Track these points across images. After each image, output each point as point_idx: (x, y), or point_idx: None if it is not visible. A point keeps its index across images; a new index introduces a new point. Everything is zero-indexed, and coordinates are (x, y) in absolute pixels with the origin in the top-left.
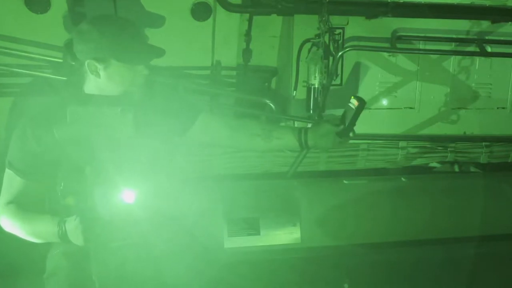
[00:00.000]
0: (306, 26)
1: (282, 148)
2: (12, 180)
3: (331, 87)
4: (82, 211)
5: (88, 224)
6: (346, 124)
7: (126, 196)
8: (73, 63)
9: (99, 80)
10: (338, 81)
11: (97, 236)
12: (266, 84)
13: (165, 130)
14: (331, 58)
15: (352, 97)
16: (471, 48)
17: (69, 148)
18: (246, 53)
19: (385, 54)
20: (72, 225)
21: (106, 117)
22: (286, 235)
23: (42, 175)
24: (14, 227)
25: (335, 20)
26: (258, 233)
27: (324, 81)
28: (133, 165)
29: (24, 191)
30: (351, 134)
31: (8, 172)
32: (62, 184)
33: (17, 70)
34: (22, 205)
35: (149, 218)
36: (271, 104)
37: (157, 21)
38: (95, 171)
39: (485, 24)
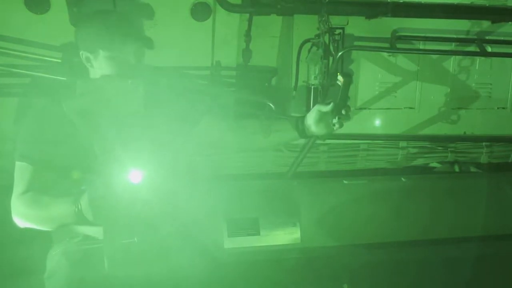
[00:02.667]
0: (306, 26)
1: (282, 140)
2: (25, 172)
3: (331, 87)
4: (91, 188)
5: (97, 201)
6: (337, 101)
7: (133, 176)
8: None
9: (93, 70)
10: None
11: (105, 213)
12: (266, 84)
13: (172, 110)
14: (331, 58)
15: (338, 74)
16: (471, 48)
17: (78, 123)
18: (246, 53)
19: (385, 54)
20: (84, 202)
21: (116, 90)
22: (286, 235)
23: (57, 162)
24: (31, 214)
25: (335, 20)
26: (258, 233)
27: (324, 81)
28: (141, 143)
29: (38, 180)
30: (343, 112)
31: (19, 165)
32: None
33: (17, 70)
34: (38, 192)
35: (156, 198)
36: (271, 104)
37: (157, 21)
38: (104, 148)
39: (485, 24)
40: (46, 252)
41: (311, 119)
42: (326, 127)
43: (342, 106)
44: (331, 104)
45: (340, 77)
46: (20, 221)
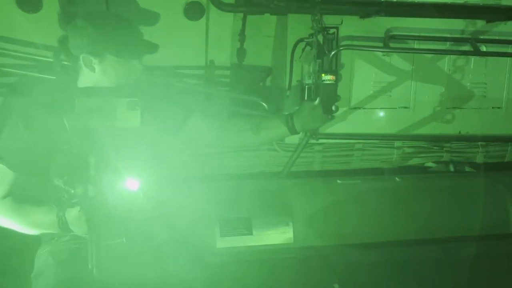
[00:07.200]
0: (300, 25)
1: (272, 137)
2: (5, 175)
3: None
4: (85, 200)
5: (92, 212)
6: (327, 98)
7: (130, 184)
8: (65, 61)
9: (94, 74)
10: None
11: (100, 224)
12: (261, 83)
13: (167, 124)
14: (325, 58)
15: (323, 74)
16: (466, 47)
17: (75, 137)
18: (240, 52)
19: (380, 54)
20: (73, 215)
21: (114, 108)
22: (278, 235)
23: (35, 168)
24: (11, 220)
25: (329, 19)
26: (251, 233)
27: (318, 81)
28: (137, 155)
29: (18, 185)
30: (333, 108)
31: (0, 167)
32: (66, 174)
33: (8, 69)
34: (18, 198)
35: (151, 207)
36: (264, 104)
37: (150, 20)
38: (100, 160)
39: (479, 24)
40: (34, 251)
41: (299, 115)
42: (313, 122)
43: (333, 103)
44: (318, 99)
45: (327, 76)
46: (1, 223)
